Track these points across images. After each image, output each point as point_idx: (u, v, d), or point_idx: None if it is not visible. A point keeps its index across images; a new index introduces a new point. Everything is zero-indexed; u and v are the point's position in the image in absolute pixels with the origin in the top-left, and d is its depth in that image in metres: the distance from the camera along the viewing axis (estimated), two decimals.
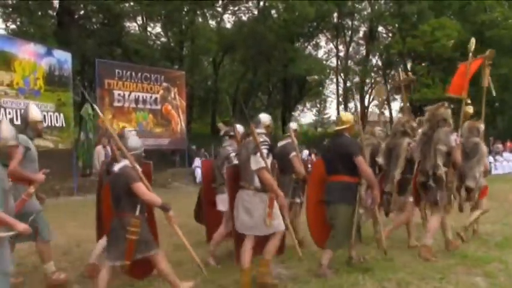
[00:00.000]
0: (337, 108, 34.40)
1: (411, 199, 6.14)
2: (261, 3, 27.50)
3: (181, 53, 26.68)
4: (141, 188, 4.29)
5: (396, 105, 37.07)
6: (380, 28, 31.21)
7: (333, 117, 36.41)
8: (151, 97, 17.16)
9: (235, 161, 5.29)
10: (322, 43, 34.30)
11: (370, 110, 32.23)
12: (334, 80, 34.30)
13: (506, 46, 25.74)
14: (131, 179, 4.26)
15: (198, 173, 17.90)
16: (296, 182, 5.89)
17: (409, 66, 30.86)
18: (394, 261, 5.51)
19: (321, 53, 37.46)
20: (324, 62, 33.14)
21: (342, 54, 32.75)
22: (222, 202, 5.58)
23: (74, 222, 8.68)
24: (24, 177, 4.39)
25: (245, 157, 4.73)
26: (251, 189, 4.70)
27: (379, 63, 33.01)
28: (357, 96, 31.55)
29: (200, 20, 27.61)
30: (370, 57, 32.53)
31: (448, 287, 4.66)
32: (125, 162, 4.38)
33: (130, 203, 4.32)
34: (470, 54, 6.75)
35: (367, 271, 5.10)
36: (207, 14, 28.00)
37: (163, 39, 27.94)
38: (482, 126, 6.67)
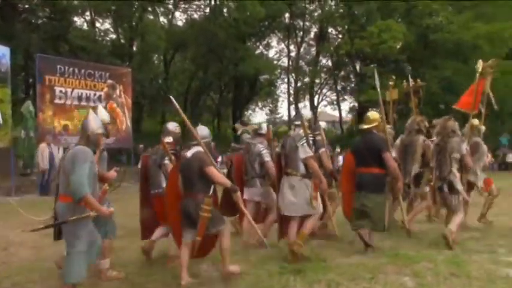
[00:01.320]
0: (288, 108, 34.67)
1: (427, 189, 7.01)
2: (213, 2, 27.32)
3: (131, 50, 26.19)
4: (214, 171, 4.81)
5: (346, 105, 37.73)
6: (330, 29, 31.56)
7: (285, 117, 36.59)
8: (95, 94, 16.66)
9: (267, 157, 6.18)
10: (274, 43, 34.52)
11: (319, 109, 32.57)
12: (286, 79, 34.46)
13: (450, 49, 26.59)
14: (205, 163, 4.76)
15: None
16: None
17: (357, 67, 31.46)
18: (327, 262, 5.50)
19: (272, 53, 37.75)
20: (276, 61, 33.31)
21: (293, 54, 32.95)
22: (249, 193, 6.27)
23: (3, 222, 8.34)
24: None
25: (291, 148, 5.52)
26: (297, 175, 5.47)
27: (330, 63, 33.46)
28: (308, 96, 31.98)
29: (151, 17, 27.23)
30: (321, 57, 32.92)
31: (377, 287, 4.68)
32: (196, 149, 4.90)
33: (204, 185, 4.82)
34: (477, 74, 7.61)
35: (299, 272, 5.08)
36: (158, 11, 27.62)
37: (112, 35, 27.38)
38: (483, 128, 7.72)
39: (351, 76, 33.52)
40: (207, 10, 27.85)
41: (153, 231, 5.64)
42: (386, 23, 25.42)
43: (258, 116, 49.10)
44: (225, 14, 25.86)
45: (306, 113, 5.95)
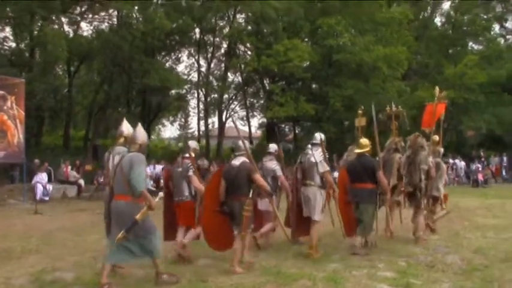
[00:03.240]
0: (198, 123, 34.45)
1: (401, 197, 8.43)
2: (121, 13, 26.63)
3: (31, 60, 24.82)
4: (259, 177, 6.16)
5: (255, 121, 38.19)
6: (240, 46, 31.87)
7: (196, 132, 36.26)
8: None
9: (279, 172, 7.41)
10: (184, 58, 34.20)
11: (227, 125, 32.64)
12: (196, 94, 34.25)
13: (352, 69, 27.73)
14: (252, 171, 6.08)
15: (40, 189, 16.69)
16: None
17: (266, 84, 31.97)
18: (208, 282, 5.44)
19: (182, 67, 37.47)
20: (186, 76, 33.04)
21: (204, 69, 32.86)
22: (262, 204, 7.18)
23: None
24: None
25: (310, 163, 7.08)
26: (314, 185, 7.00)
27: (240, 79, 33.74)
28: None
29: (56, 26, 26.01)
30: (230, 73, 33.13)
31: None
32: (243, 159, 6.20)
33: (248, 189, 5.99)
34: (436, 98, 9.22)
35: None
36: (63, 20, 26.45)
37: (12, 43, 25.81)
38: (442, 150, 9.17)
39: (260, 93, 34.02)
40: (115, 21, 27.13)
41: (175, 234, 6.72)
42: (292, 42, 26.06)
43: (168, 131, 48.31)
44: (134, 26, 25.32)
45: (321, 136, 7.43)
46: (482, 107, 31.66)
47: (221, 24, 31.33)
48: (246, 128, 37.02)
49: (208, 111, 32.33)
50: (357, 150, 7.69)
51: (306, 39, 31.06)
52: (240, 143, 6.38)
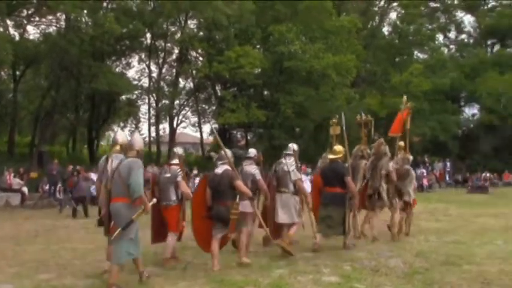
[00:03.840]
0: (149, 129, 33.99)
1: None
2: (69, 16, 25.97)
3: None
4: (241, 184, 6.64)
5: (207, 127, 38.03)
6: (192, 52, 31.70)
7: (147, 138, 35.68)
8: None
9: (258, 176, 7.43)
10: (135, 63, 33.68)
11: (178, 131, 32.40)
12: (147, 100, 33.73)
13: (303, 76, 28.12)
14: (234, 178, 6.59)
15: None
16: None
17: (218, 90, 31.95)
18: None
19: (133, 73, 36.88)
20: (136, 81, 32.53)
21: (155, 75, 32.46)
22: (243, 206, 7.02)
23: None
24: None
25: (283, 172, 7.71)
26: (288, 192, 7.62)
27: (192, 85, 33.56)
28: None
29: (1, 29, 25.10)
30: (181, 79, 32.91)
31: None
32: (225, 167, 6.72)
33: (232, 194, 6.55)
34: (402, 106, 10.15)
35: None
36: (8, 23, 25.57)
37: None
38: (411, 157, 9.62)
39: (212, 99, 33.95)
40: (63, 24, 26.45)
41: (163, 237, 6.98)
42: (243, 48, 26.17)
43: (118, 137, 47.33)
44: (83, 30, 24.75)
45: (295, 146, 8.09)
46: (427, 114, 32.83)
47: (172, 29, 31.06)
48: (198, 134, 36.83)
49: (159, 117, 31.91)
50: (331, 156, 8.27)
51: (258, 46, 31.27)
52: (223, 152, 6.88)
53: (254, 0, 28.08)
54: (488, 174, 30.66)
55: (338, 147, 8.32)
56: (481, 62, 36.78)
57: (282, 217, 7.61)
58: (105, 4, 27.04)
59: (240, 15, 26.93)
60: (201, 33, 29.69)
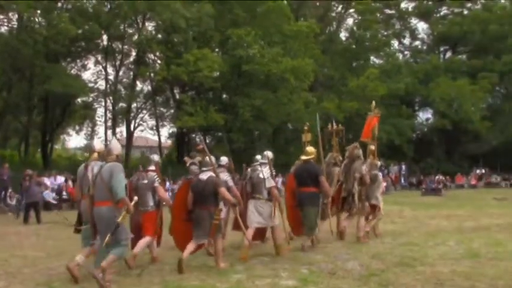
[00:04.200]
0: (105, 133, 33.24)
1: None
2: (22, 16, 25.21)
3: None
4: (224, 190, 6.89)
5: (165, 131, 37.67)
6: (150, 54, 31.31)
7: (103, 142, 34.98)
8: None
9: (231, 183, 7.82)
10: (91, 65, 32.93)
11: (136, 134, 31.91)
12: (103, 103, 33.05)
13: (261, 80, 28.25)
14: (218, 185, 6.81)
15: None
16: None
17: (176, 94, 31.65)
18: None
19: (88, 75, 36.08)
20: (92, 84, 31.83)
21: (112, 77, 31.85)
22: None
23: None
24: None
25: (258, 178, 7.85)
26: (263, 198, 7.78)
27: (150, 88, 33.14)
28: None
29: None
30: (139, 82, 32.45)
31: None
32: (210, 173, 6.92)
33: (215, 200, 6.81)
34: (371, 112, 10.49)
35: None
36: None
37: None
38: (379, 163, 10.11)
39: (170, 102, 33.62)
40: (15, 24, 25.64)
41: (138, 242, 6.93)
42: (202, 51, 26.06)
43: (74, 140, 46.35)
44: (36, 31, 24.06)
45: (270, 153, 8.26)
46: (382, 118, 33.25)
47: (130, 31, 30.61)
48: (156, 138, 36.38)
49: (116, 121, 31.33)
50: (303, 157, 8.57)
51: (216, 50, 31.24)
52: (207, 159, 7.08)
53: (213, 1, 28.01)
54: (441, 177, 31.48)
55: (310, 148, 8.63)
56: (434, 67, 37.84)
57: (255, 221, 7.76)
58: (59, 4, 26.40)
59: (199, 18, 26.80)
60: (159, 35, 29.38)
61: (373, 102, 10.93)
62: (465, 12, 40.98)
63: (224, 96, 31.50)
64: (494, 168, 35.47)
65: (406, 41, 45.05)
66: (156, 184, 7.14)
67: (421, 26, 44.20)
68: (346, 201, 9.11)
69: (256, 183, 7.91)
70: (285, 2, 32.20)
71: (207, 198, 6.73)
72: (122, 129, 33.25)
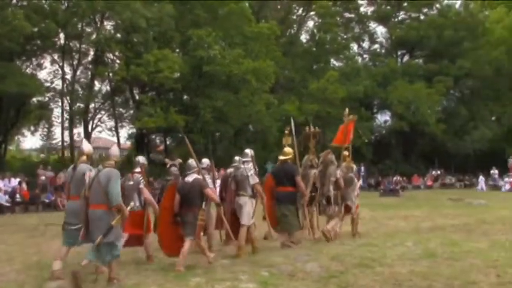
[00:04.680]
0: (62, 133, 32.44)
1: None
2: None
3: None
4: (210, 191, 7.34)
5: (124, 132, 37.10)
6: (109, 54, 30.74)
7: (60, 143, 34.09)
8: None
9: (210, 185, 8.10)
10: (48, 64, 32.03)
11: (94, 135, 31.26)
12: (60, 103, 32.21)
13: (222, 81, 28.16)
14: (204, 186, 7.23)
15: None
16: None
17: (136, 94, 31.18)
18: None
19: (44, 74, 35.14)
20: (49, 83, 30.98)
21: (69, 76, 31.10)
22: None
23: None
24: None
25: (242, 176, 8.35)
26: (246, 195, 8.26)
27: (108, 88, 32.56)
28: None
29: None
30: (97, 82, 31.81)
31: None
32: (195, 175, 7.30)
33: (200, 201, 7.12)
34: (345, 118, 10.64)
35: None
36: None
37: None
38: (354, 166, 10.60)
39: (130, 102, 33.11)
40: None
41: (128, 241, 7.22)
42: (162, 52, 25.76)
43: (29, 141, 45.09)
44: None
45: (251, 152, 8.83)
46: (341, 121, 33.76)
47: (88, 30, 30.00)
48: (115, 139, 35.71)
49: (73, 121, 30.61)
50: (281, 158, 9.03)
51: (177, 50, 30.94)
52: (192, 161, 7.48)
53: (174, 1, 27.76)
54: (399, 178, 32.12)
55: (287, 149, 9.13)
56: (391, 71, 38.57)
57: (242, 218, 8.19)
58: (14, 1, 25.59)
59: (159, 18, 26.50)
60: (119, 35, 28.85)
61: (346, 109, 11.14)
62: (422, 17, 41.93)
63: (185, 97, 31.23)
64: (449, 169, 36.52)
65: (365, 44, 45.80)
66: (141, 185, 7.46)
67: (380, 30, 45.03)
68: (322, 205, 9.43)
69: (240, 180, 8.36)
70: (246, 3, 32.21)
71: (192, 200, 7.06)
72: (79, 130, 32.57)
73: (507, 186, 29.70)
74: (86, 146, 7.31)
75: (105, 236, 5.91)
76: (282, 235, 8.73)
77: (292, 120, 10.51)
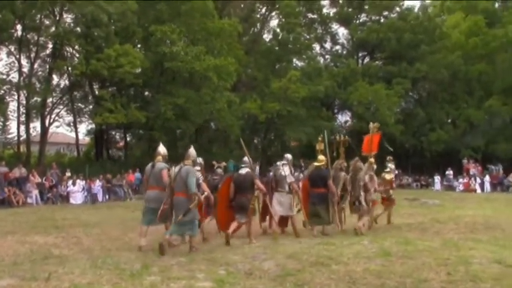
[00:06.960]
0: (18, 128, 31.46)
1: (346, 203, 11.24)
2: None
3: None
4: (259, 182, 9.65)
5: (83, 127, 36.24)
6: (68, 47, 30.01)
7: (16, 138, 32.94)
8: None
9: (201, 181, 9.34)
10: (4, 56, 30.98)
11: (51, 130, 30.48)
12: (16, 97, 31.20)
13: (184, 78, 27.96)
14: (255, 178, 9.58)
15: None
16: None
17: (96, 89, 30.58)
18: None
19: (0, 67, 33.99)
20: (4, 76, 29.98)
21: (26, 70, 30.17)
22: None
23: None
24: None
25: (281, 176, 10.24)
26: (284, 191, 10.22)
27: (67, 83, 31.79)
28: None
29: None
30: (56, 76, 31.00)
31: None
32: (247, 169, 9.59)
33: (251, 190, 9.39)
34: (370, 130, 12.42)
35: None
36: None
37: None
38: (375, 166, 11.56)
39: (89, 97, 32.44)
40: None
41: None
42: (124, 47, 25.37)
43: None
44: None
45: (289, 156, 10.92)
46: (303, 119, 34.17)
47: (47, 22, 29.18)
48: (73, 134, 34.93)
49: (30, 115, 29.73)
50: (316, 164, 10.94)
51: (139, 46, 30.51)
52: (245, 158, 9.63)
53: None
54: None
55: (321, 157, 11.06)
56: (352, 72, 39.07)
57: (279, 210, 10.11)
58: None
59: (121, 13, 26.06)
60: (79, 28, 28.19)
61: (371, 124, 12.73)
62: (382, 20, 42.68)
63: (146, 93, 30.86)
64: (406, 170, 37.28)
65: (327, 45, 46.30)
66: (201, 181, 8.99)
67: (342, 32, 45.64)
68: (354, 206, 10.87)
69: (279, 179, 10.25)
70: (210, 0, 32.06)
71: (246, 189, 9.26)
72: (36, 125, 31.66)
73: (461, 187, 30.57)
74: (162, 149, 9.15)
75: (185, 215, 7.92)
76: (313, 228, 10.46)
77: (325, 132, 12.18)
